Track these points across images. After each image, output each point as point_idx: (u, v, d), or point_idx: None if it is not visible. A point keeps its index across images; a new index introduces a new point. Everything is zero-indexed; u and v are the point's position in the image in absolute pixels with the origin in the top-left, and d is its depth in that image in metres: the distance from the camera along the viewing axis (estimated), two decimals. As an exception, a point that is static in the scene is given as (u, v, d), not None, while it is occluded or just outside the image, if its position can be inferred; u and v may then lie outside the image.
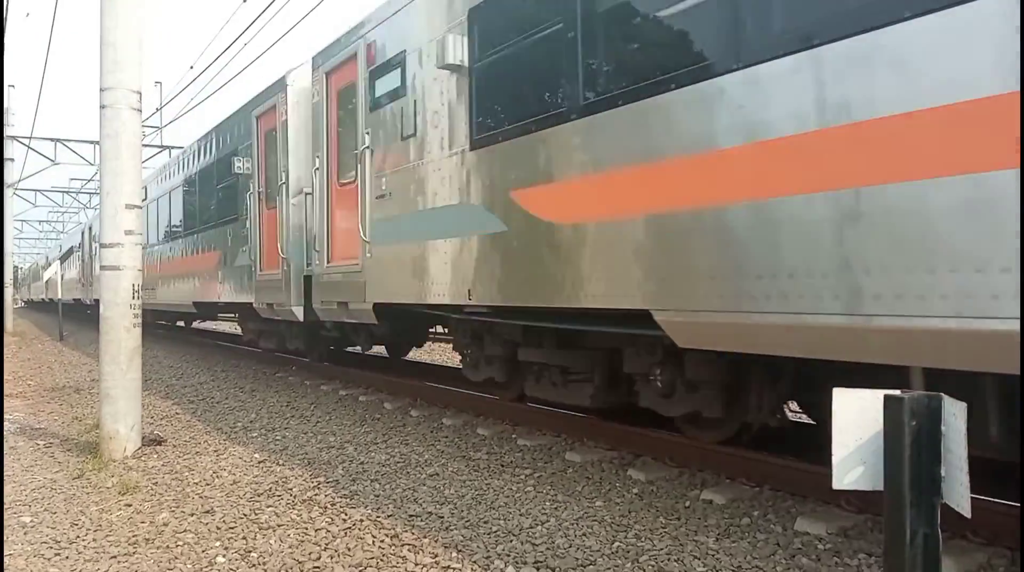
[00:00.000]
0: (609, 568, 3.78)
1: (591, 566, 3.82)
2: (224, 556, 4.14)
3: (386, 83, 7.67)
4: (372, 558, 4.02)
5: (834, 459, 2.32)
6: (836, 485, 2.33)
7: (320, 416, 8.25)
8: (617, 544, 4.10)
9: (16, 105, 29.32)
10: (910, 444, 2.21)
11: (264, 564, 4.00)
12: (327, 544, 4.25)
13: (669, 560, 3.85)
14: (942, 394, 2.24)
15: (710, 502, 4.74)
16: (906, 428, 2.21)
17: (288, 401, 9.32)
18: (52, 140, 27.57)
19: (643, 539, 4.16)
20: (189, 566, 4.02)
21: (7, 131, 28.61)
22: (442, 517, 4.67)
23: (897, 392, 2.26)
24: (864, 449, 2.30)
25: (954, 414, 2.18)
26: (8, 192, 30.24)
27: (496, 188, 5.99)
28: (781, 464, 5.02)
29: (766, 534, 4.17)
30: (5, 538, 4.54)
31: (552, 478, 5.48)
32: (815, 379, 4.71)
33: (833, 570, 3.67)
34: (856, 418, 2.30)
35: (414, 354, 15.20)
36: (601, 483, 5.31)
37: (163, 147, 26.43)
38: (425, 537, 4.32)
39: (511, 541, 4.21)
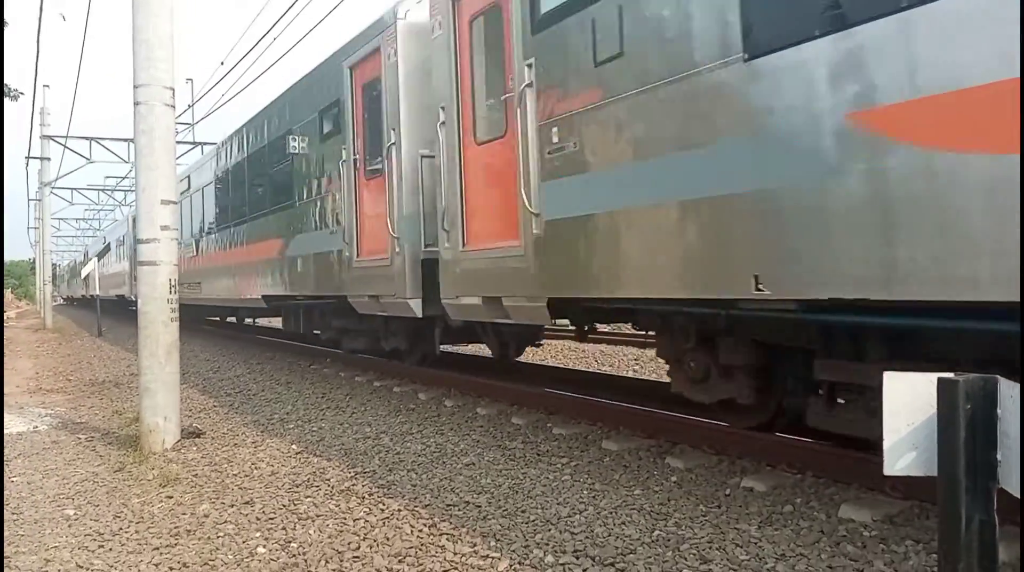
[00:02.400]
0: (650, 557, 3.74)
1: (631, 555, 3.78)
2: (264, 547, 4.16)
3: None
4: (411, 547, 4.02)
5: (885, 444, 2.26)
6: (887, 471, 2.27)
7: (355, 407, 8.28)
8: (657, 532, 4.06)
9: (52, 105, 29.68)
10: (965, 428, 2.15)
11: (304, 554, 4.01)
12: (366, 534, 4.26)
13: (711, 548, 3.80)
14: (998, 376, 2.17)
15: (751, 490, 4.68)
16: (961, 411, 2.14)
17: (323, 392, 9.38)
18: (87, 139, 27.91)
19: (683, 527, 4.11)
20: (231, 557, 4.05)
21: (44, 131, 29.07)
22: (479, 506, 4.66)
23: (950, 375, 2.19)
24: (916, 434, 2.23)
25: (1011, 397, 2.11)
26: (46, 190, 30.78)
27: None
28: (823, 450, 4.93)
29: (809, 521, 4.09)
30: (50, 531, 4.61)
31: (589, 467, 5.44)
32: None
33: (880, 557, 3.59)
34: (908, 402, 2.23)
35: (446, 345, 15.23)
36: (639, 471, 5.26)
37: (195, 143, 26.61)
38: (463, 526, 4.31)
39: (549, 530, 4.18)
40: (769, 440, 5.29)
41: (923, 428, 2.23)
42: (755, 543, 3.84)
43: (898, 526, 3.95)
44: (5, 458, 6.50)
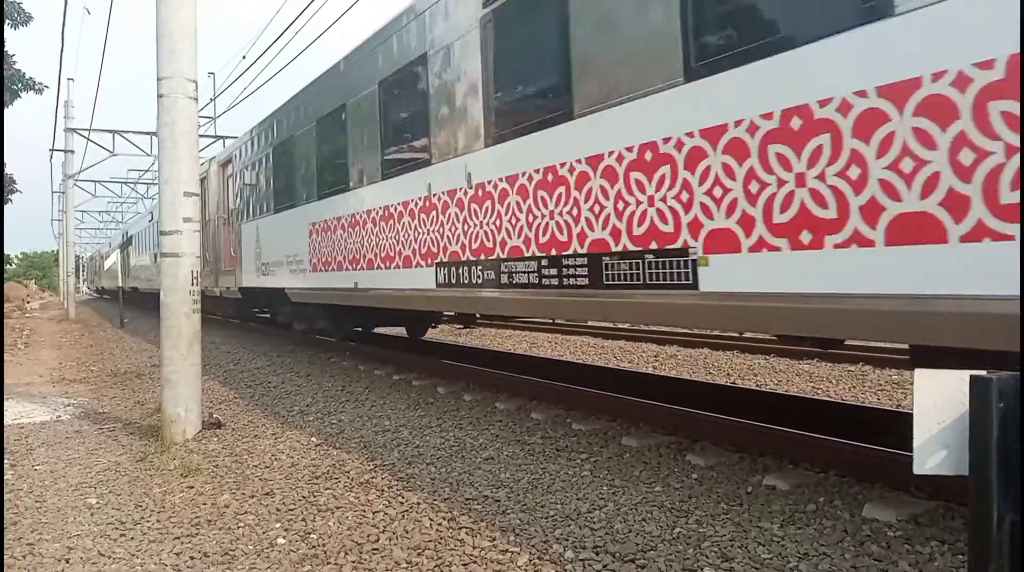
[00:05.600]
0: (671, 554, 3.71)
1: (652, 551, 3.76)
2: (284, 537, 4.17)
3: None
4: (430, 541, 4.01)
5: (915, 443, 2.21)
6: (917, 470, 2.22)
7: (375, 400, 8.30)
8: (678, 530, 4.03)
9: (76, 98, 29.90)
10: (997, 426, 2.10)
11: (324, 545, 4.02)
12: (385, 526, 4.26)
13: (732, 547, 3.77)
14: (1032, 375, 2.12)
15: (773, 488, 4.63)
16: (993, 410, 2.09)
17: (343, 385, 9.40)
18: (110, 132, 28.09)
19: (705, 525, 4.08)
20: (251, 547, 4.06)
21: (68, 124, 29.32)
22: (499, 501, 4.65)
23: (983, 372, 2.15)
24: (947, 432, 2.19)
25: (1046, 395, 2.06)
26: (69, 183, 31.06)
27: None
28: (847, 448, 4.88)
29: (833, 521, 4.05)
30: (73, 519, 4.65)
31: (609, 463, 5.42)
32: None
33: (904, 558, 3.54)
34: (939, 400, 2.19)
35: (466, 339, 15.24)
36: (659, 468, 5.23)
37: (217, 137, 26.77)
38: (482, 521, 4.30)
39: (569, 525, 4.16)
40: (791, 437, 5.24)
41: (954, 427, 2.19)
42: (778, 542, 3.80)
43: (923, 526, 3.90)
44: (29, 447, 6.57)
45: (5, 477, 5.52)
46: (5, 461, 5.97)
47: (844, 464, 4.79)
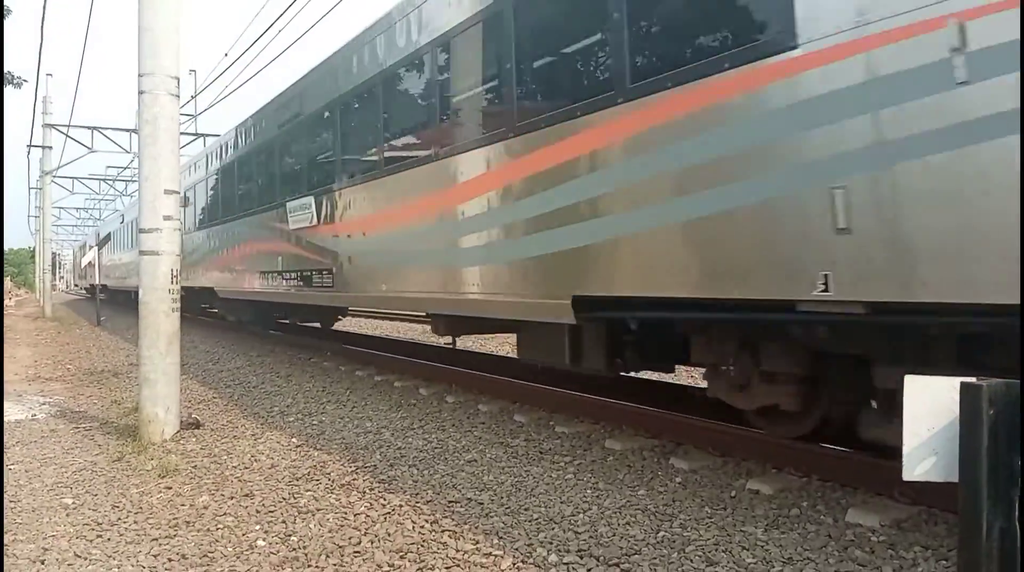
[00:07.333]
0: (655, 558, 3.70)
1: (636, 555, 3.74)
2: (264, 540, 4.12)
3: None
4: (413, 544, 3.98)
5: (904, 449, 2.21)
6: (906, 476, 2.22)
7: (356, 401, 8.23)
8: (662, 534, 4.01)
9: (54, 93, 29.64)
10: (987, 433, 2.10)
11: (304, 548, 3.97)
12: (367, 529, 4.22)
13: (717, 551, 3.76)
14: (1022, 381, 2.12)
15: (757, 492, 4.63)
16: (984, 416, 2.09)
17: (324, 386, 9.33)
18: (89, 128, 27.82)
19: (689, 529, 4.07)
20: (230, 549, 4.00)
21: (46, 119, 28.99)
22: (482, 504, 4.61)
23: (973, 379, 2.15)
24: (937, 438, 2.19)
25: (1036, 402, 2.07)
26: (47, 179, 30.69)
27: None
28: (829, 453, 4.89)
29: (816, 525, 4.05)
30: (48, 519, 4.56)
31: (592, 466, 5.40)
32: None
33: (888, 563, 3.54)
34: (929, 406, 2.19)
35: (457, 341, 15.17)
36: (643, 471, 5.22)
37: (198, 135, 26.55)
38: (465, 523, 4.27)
39: (553, 529, 4.14)
40: (774, 442, 5.24)
41: (944, 433, 2.19)
42: (762, 546, 3.80)
43: (906, 532, 3.90)
44: (3, 446, 6.45)
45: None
46: (-22, 460, 5.86)
47: (827, 469, 4.80)
